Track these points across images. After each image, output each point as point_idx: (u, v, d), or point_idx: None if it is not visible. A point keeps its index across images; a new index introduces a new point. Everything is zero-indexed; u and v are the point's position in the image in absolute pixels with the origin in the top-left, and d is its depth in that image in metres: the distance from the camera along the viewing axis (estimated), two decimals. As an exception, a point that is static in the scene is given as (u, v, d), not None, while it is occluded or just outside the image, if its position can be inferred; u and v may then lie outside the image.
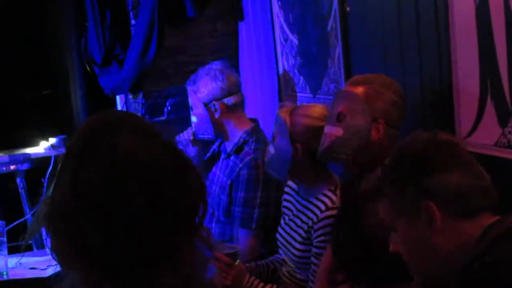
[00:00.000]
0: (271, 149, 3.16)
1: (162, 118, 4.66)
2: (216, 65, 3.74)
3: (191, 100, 3.78)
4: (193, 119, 3.78)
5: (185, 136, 3.91)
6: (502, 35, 2.57)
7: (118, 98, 4.99)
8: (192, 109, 3.78)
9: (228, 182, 3.61)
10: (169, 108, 4.61)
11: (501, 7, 2.55)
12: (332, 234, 2.82)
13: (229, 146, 3.73)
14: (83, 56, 5.07)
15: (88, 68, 5.05)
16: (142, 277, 1.26)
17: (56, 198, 1.29)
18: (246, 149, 3.63)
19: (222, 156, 3.79)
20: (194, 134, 3.82)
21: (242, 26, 4.74)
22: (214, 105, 3.67)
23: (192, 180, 1.34)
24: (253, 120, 3.81)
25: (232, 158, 3.68)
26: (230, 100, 3.67)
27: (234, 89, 3.70)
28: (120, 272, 1.26)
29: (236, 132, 3.69)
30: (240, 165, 3.57)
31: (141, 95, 4.66)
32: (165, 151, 1.32)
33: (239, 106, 3.72)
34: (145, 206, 1.25)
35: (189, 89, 3.78)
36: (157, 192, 1.27)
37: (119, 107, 4.94)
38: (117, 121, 1.34)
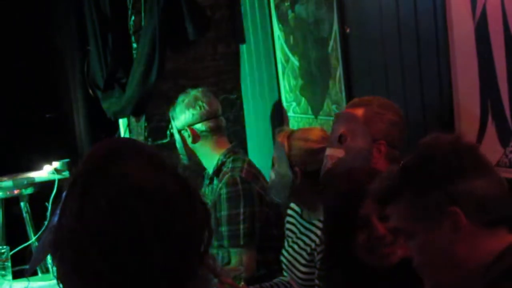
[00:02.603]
0: (271, 175, 3.17)
1: (164, 141, 4.67)
2: (193, 92, 3.81)
3: (172, 126, 3.88)
4: (176, 143, 3.86)
5: None
6: (502, 55, 2.58)
7: (120, 121, 5.00)
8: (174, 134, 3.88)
9: (212, 205, 3.63)
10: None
11: (500, 28, 2.56)
12: (322, 270, 2.79)
13: (209, 170, 3.77)
14: (86, 80, 5.09)
15: (90, 92, 5.07)
16: None
17: (62, 225, 1.29)
18: (224, 169, 3.65)
19: (206, 182, 3.81)
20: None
21: (243, 48, 4.76)
22: (186, 130, 3.73)
23: (198, 208, 1.34)
24: (231, 141, 3.86)
25: (214, 181, 3.71)
26: (202, 126, 3.71)
27: (208, 115, 3.73)
28: None
29: (214, 155, 3.73)
30: (220, 185, 3.59)
31: (143, 118, 4.67)
32: (172, 180, 1.32)
33: (215, 131, 3.74)
34: (153, 236, 1.25)
35: (170, 115, 3.88)
36: (165, 222, 1.27)
37: (122, 131, 4.95)
38: (123, 149, 1.35)
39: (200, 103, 3.74)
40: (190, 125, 3.73)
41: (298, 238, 3.15)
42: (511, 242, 1.74)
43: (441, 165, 1.78)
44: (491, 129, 2.68)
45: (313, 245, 3.00)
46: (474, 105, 2.74)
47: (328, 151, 2.79)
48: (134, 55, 4.62)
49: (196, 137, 3.73)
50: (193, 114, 3.73)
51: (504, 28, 2.55)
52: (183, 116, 3.75)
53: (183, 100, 3.78)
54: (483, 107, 2.70)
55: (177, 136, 3.81)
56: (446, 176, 1.76)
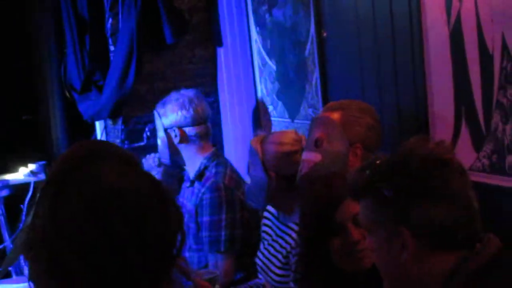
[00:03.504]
0: (247, 180, 3.18)
1: (141, 143, 4.66)
2: (187, 93, 3.77)
3: (156, 123, 3.82)
4: (158, 142, 3.81)
5: (149, 161, 3.93)
6: (476, 61, 2.61)
7: (97, 124, 4.99)
8: (157, 132, 3.81)
9: (194, 209, 3.63)
10: (148, 133, 4.62)
11: (474, 34, 2.59)
12: (297, 271, 2.80)
13: (191, 173, 3.75)
14: (63, 82, 5.07)
15: (67, 94, 5.05)
16: None
17: (36, 225, 1.29)
18: (207, 174, 3.64)
19: (187, 184, 3.80)
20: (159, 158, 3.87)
21: (220, 51, 4.76)
22: (174, 130, 3.70)
23: (171, 211, 1.35)
24: (214, 145, 3.85)
25: (196, 185, 3.69)
26: (192, 130, 3.70)
27: (199, 120, 3.71)
28: None
29: (197, 158, 3.71)
30: (203, 190, 3.59)
31: (120, 121, 4.66)
32: (145, 182, 1.33)
33: (203, 137, 3.74)
34: (126, 236, 1.25)
35: (156, 111, 3.81)
36: (138, 223, 1.27)
37: (98, 133, 4.94)
38: (98, 151, 1.35)
39: (194, 106, 3.71)
40: (179, 126, 3.71)
41: (273, 240, 3.16)
42: (465, 256, 1.72)
43: (404, 183, 1.74)
44: (464, 134, 2.70)
45: (288, 247, 3.01)
46: (448, 110, 2.76)
47: (305, 155, 2.80)
48: (111, 58, 4.61)
49: (183, 138, 3.71)
50: (185, 117, 3.70)
51: (478, 34, 2.57)
52: (173, 116, 3.71)
53: (176, 99, 3.75)
54: (457, 112, 2.73)
55: (161, 134, 3.77)
56: (407, 195, 1.73)
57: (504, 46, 2.46)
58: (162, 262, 1.31)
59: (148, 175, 1.35)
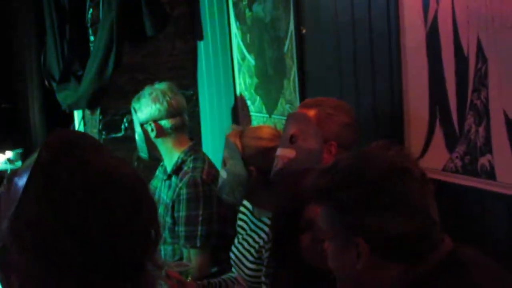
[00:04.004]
0: (222, 175, 3.18)
1: (119, 134, 4.66)
2: (161, 86, 3.77)
3: (133, 118, 3.82)
4: (136, 137, 3.82)
5: None
6: (451, 63, 2.62)
7: (75, 114, 4.98)
8: (134, 127, 3.83)
9: (170, 203, 3.63)
10: (126, 125, 4.62)
11: (450, 35, 2.61)
12: (269, 266, 2.81)
13: (168, 167, 3.74)
14: (42, 71, 5.06)
15: (46, 83, 5.04)
16: None
17: (23, 214, 1.27)
18: (185, 168, 3.64)
19: (164, 177, 3.80)
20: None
21: (200, 45, 4.77)
22: (150, 125, 3.70)
23: (150, 200, 1.36)
24: (192, 139, 3.83)
25: (173, 179, 3.69)
26: (167, 123, 3.69)
27: (174, 112, 3.70)
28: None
29: (174, 152, 3.71)
30: (180, 185, 3.59)
31: (98, 112, 4.65)
32: (130, 171, 1.34)
33: (179, 129, 3.72)
34: (120, 219, 1.26)
35: (132, 106, 3.81)
36: (132, 207, 1.28)
37: (76, 123, 4.93)
38: (79, 140, 1.35)
39: (168, 98, 3.70)
40: (155, 120, 3.70)
41: (248, 235, 3.17)
42: (406, 268, 1.72)
43: (363, 193, 1.74)
44: (438, 134, 2.72)
45: (261, 242, 3.02)
46: (423, 110, 2.78)
47: (279, 151, 2.81)
48: (91, 48, 4.60)
49: (160, 132, 3.71)
50: (159, 110, 3.69)
51: (454, 35, 2.59)
52: (148, 110, 3.71)
53: (150, 93, 3.73)
54: (432, 112, 2.75)
55: (138, 129, 3.77)
56: (363, 206, 1.72)
57: (479, 48, 2.48)
58: (149, 245, 1.32)
59: (129, 164, 1.37)
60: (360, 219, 1.71)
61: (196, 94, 4.84)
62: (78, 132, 1.55)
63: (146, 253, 1.32)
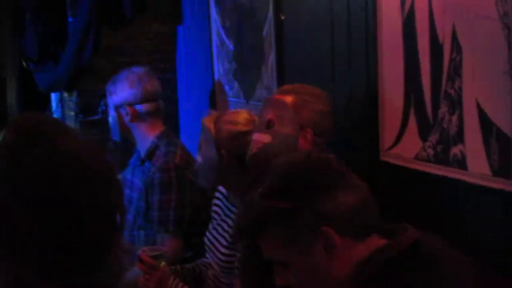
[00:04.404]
0: (198, 158, 3.18)
1: (95, 117, 4.64)
2: (137, 71, 3.75)
3: (108, 101, 3.81)
4: (109, 120, 3.81)
5: None
6: (426, 51, 2.63)
7: (52, 95, 4.96)
8: (108, 110, 3.82)
9: (144, 188, 3.63)
10: (103, 107, 4.60)
11: (426, 23, 2.61)
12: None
13: (142, 151, 3.74)
14: (20, 52, 5.03)
15: (24, 64, 5.02)
16: (79, 278, 1.26)
17: None
18: (158, 153, 3.64)
19: (137, 163, 3.79)
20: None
21: (180, 29, 4.76)
22: (125, 108, 3.69)
23: (118, 184, 1.36)
24: (165, 124, 3.82)
25: (146, 164, 3.69)
26: (142, 107, 3.68)
27: (149, 97, 3.69)
28: (57, 273, 1.25)
29: (147, 137, 3.70)
30: (153, 170, 3.58)
31: (76, 94, 4.64)
32: (98, 154, 1.34)
33: (153, 114, 3.71)
34: (88, 202, 1.25)
35: (107, 89, 3.79)
36: (95, 191, 1.28)
37: (53, 104, 4.91)
38: (46, 123, 1.35)
39: (144, 83, 3.69)
40: (130, 104, 3.69)
41: (222, 220, 3.17)
42: (378, 247, 1.72)
43: (302, 185, 1.73)
44: (412, 122, 2.73)
45: (235, 228, 3.02)
46: (398, 98, 2.79)
47: (255, 136, 2.82)
48: (69, 29, 4.57)
49: (134, 116, 3.70)
50: (135, 94, 3.67)
51: (430, 24, 2.59)
52: (123, 93, 3.69)
53: (126, 76, 3.72)
54: (407, 100, 2.75)
55: (112, 112, 3.75)
56: (310, 195, 1.71)
57: (454, 38, 2.49)
58: (115, 228, 1.32)
59: (96, 147, 1.37)
60: (311, 210, 1.70)
61: (174, 78, 4.83)
62: (47, 116, 1.54)
63: (112, 236, 1.32)
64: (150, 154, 3.67)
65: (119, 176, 3.96)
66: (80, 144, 1.32)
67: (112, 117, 3.76)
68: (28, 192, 1.24)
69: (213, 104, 4.44)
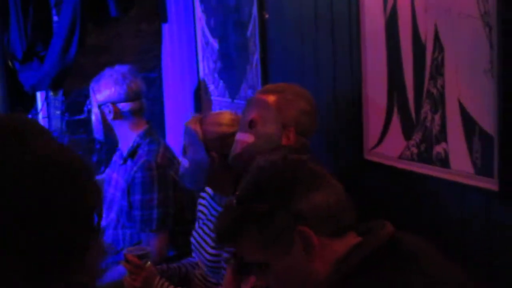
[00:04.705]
0: (183, 162, 3.17)
1: (81, 116, 4.63)
2: (121, 69, 3.75)
3: (91, 99, 3.81)
4: (92, 118, 3.81)
5: None
6: (409, 50, 2.64)
7: (38, 94, 4.94)
8: (91, 108, 3.81)
9: (126, 187, 3.63)
10: (89, 107, 4.57)
11: (409, 22, 2.62)
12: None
13: (124, 150, 3.74)
14: (5, 51, 5.00)
15: (9, 63, 4.99)
16: (55, 278, 1.26)
17: None
18: (140, 152, 3.64)
19: (120, 161, 3.79)
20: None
21: (165, 27, 4.75)
22: (108, 106, 3.69)
23: (95, 186, 1.36)
24: (147, 122, 3.81)
25: (128, 162, 3.69)
26: (126, 106, 3.69)
27: (133, 96, 3.70)
28: (33, 273, 1.25)
29: (130, 135, 3.70)
30: (135, 169, 3.58)
31: (61, 93, 4.62)
32: (74, 156, 1.34)
33: (137, 113, 3.72)
34: (61, 204, 1.25)
35: (91, 87, 3.79)
36: (71, 192, 1.28)
37: (39, 104, 4.89)
38: (24, 125, 1.35)
39: (128, 82, 3.69)
40: (113, 102, 3.69)
41: (208, 219, 3.17)
42: (354, 244, 1.71)
43: (277, 186, 1.73)
44: (395, 121, 2.74)
45: (220, 227, 3.02)
46: (382, 97, 2.80)
47: (238, 136, 2.82)
48: (54, 28, 4.56)
49: (117, 115, 3.69)
50: (119, 92, 3.68)
51: (412, 23, 2.60)
52: (107, 92, 3.69)
53: (110, 75, 3.72)
54: (390, 99, 2.76)
55: (95, 110, 3.75)
56: (285, 196, 1.71)
57: (437, 37, 2.50)
58: (92, 229, 1.32)
59: (73, 150, 1.37)
60: (287, 211, 1.70)
61: (160, 77, 4.83)
62: (25, 118, 1.54)
63: (88, 237, 1.32)
64: (133, 152, 3.66)
65: (103, 175, 3.96)
66: (56, 146, 1.32)
67: (95, 114, 3.76)
68: (1, 194, 1.24)
69: (198, 102, 4.44)
